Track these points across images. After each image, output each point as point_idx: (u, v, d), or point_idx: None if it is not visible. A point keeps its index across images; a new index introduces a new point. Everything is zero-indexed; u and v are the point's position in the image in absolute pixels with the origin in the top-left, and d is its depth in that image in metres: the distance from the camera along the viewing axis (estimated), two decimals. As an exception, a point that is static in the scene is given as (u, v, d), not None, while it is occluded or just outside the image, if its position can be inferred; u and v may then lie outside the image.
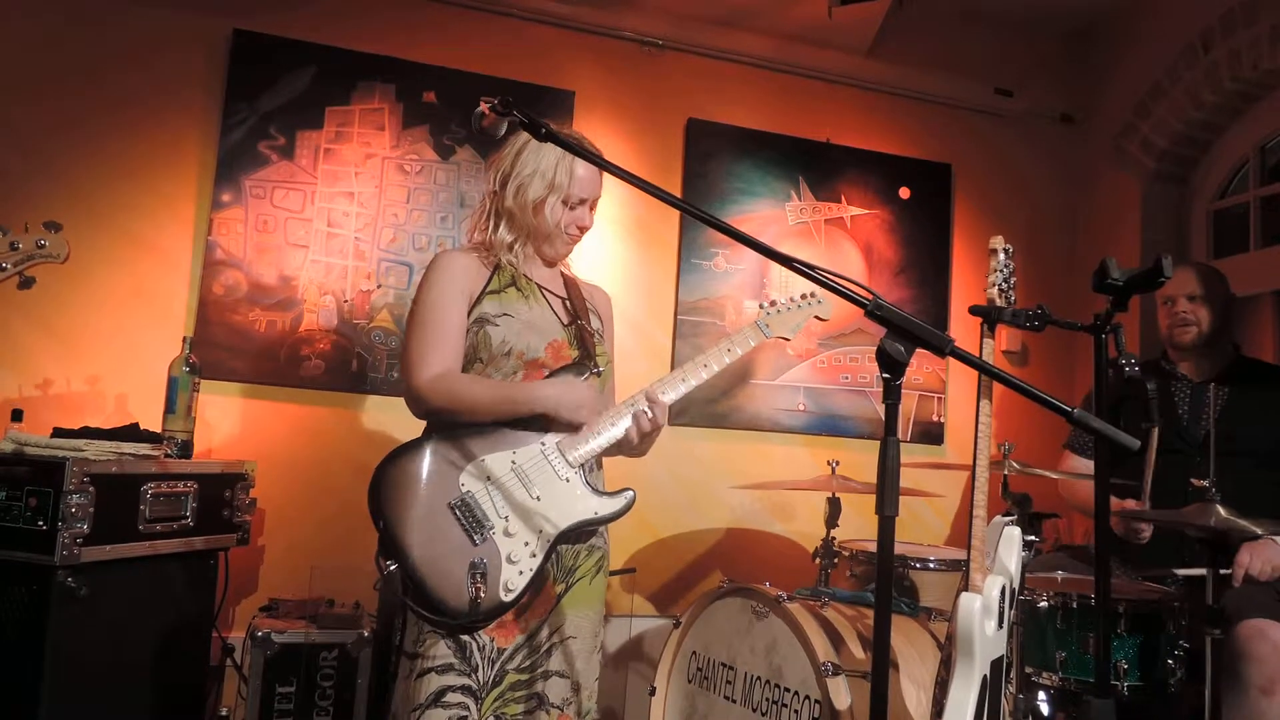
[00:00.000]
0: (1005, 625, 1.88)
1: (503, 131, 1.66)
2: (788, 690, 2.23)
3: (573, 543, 1.84)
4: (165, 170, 2.99)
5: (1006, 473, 2.35)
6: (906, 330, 1.34)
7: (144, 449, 2.37)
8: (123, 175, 2.94)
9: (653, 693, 2.59)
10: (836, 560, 2.73)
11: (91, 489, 2.13)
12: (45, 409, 2.73)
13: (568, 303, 1.94)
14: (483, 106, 1.62)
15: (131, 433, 2.44)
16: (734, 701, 2.38)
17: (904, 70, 3.78)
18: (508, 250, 1.90)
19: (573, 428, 1.77)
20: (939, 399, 3.67)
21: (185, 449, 2.55)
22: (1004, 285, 2.00)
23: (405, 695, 1.70)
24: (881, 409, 3.79)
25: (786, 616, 2.26)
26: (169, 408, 2.56)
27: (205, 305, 2.95)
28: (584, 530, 1.82)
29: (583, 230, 1.95)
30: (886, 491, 1.31)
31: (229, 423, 2.94)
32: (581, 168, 1.89)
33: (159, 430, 2.54)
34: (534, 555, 1.70)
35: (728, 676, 2.42)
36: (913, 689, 2.18)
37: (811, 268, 1.44)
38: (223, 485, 2.54)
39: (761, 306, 2.00)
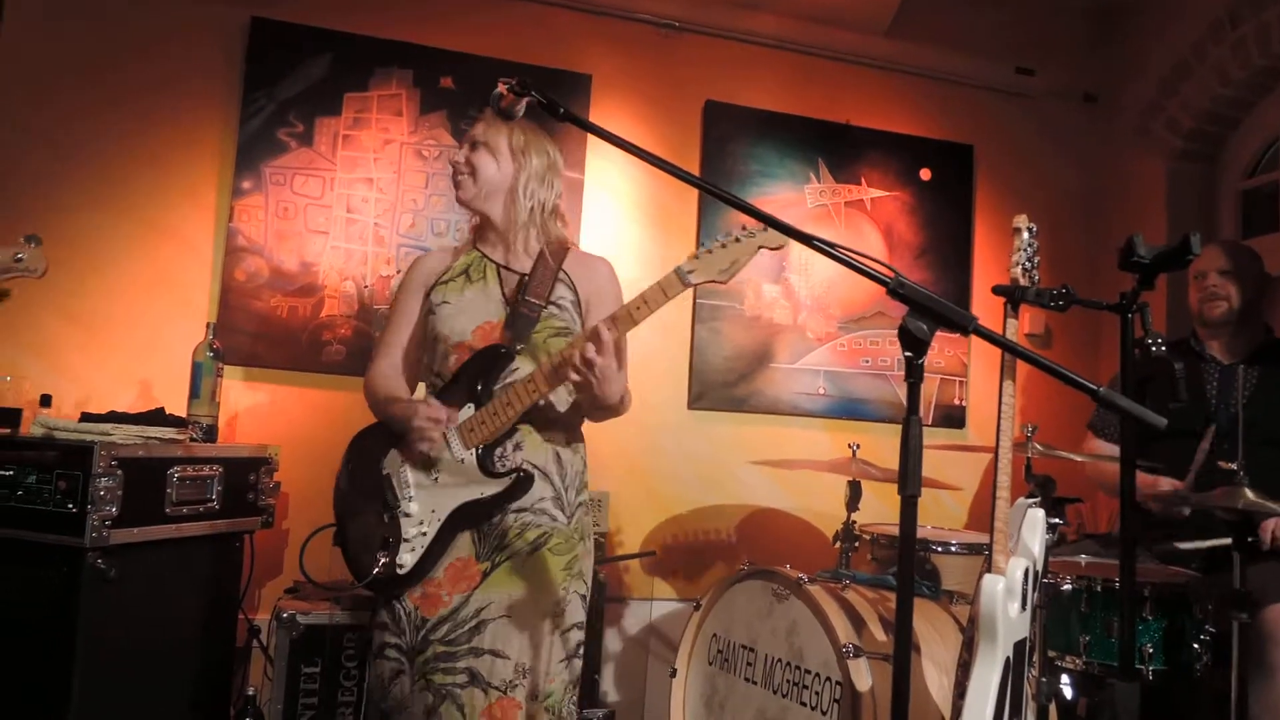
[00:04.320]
0: (1028, 607, 1.87)
1: (520, 112, 1.66)
2: (809, 672, 2.24)
3: (476, 523, 1.82)
4: (186, 158, 3.01)
5: (1030, 455, 2.33)
6: (929, 308, 1.33)
7: (170, 433, 2.40)
8: (144, 163, 2.96)
9: (674, 674, 2.60)
10: (857, 544, 2.72)
11: (119, 472, 2.16)
12: (72, 395, 2.76)
13: (524, 280, 1.93)
14: (501, 88, 1.63)
15: (157, 417, 2.47)
16: (755, 683, 2.39)
17: (924, 50, 3.74)
18: (471, 235, 2.07)
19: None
20: (960, 382, 3.65)
21: (210, 433, 2.58)
22: (1028, 265, 1.99)
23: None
24: (902, 392, 3.76)
25: (807, 599, 2.26)
26: (193, 393, 2.59)
27: (228, 292, 2.97)
28: (484, 510, 1.81)
29: (454, 165, 1.98)
30: (909, 471, 1.30)
31: (252, 407, 2.97)
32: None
33: (184, 415, 2.56)
34: (424, 534, 1.81)
35: (748, 659, 2.42)
36: (935, 671, 2.18)
37: (832, 246, 1.44)
38: (247, 469, 2.57)
39: (694, 255, 1.75)
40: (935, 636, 2.25)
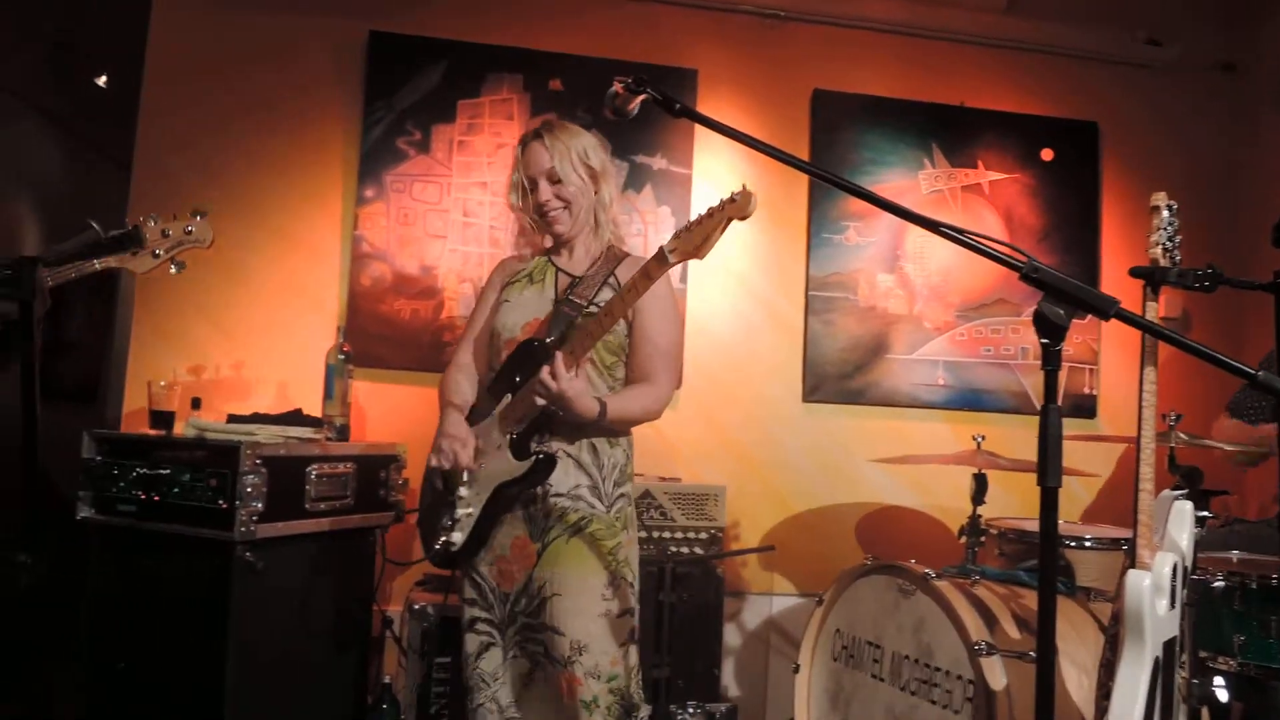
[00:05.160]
0: (1177, 605, 1.78)
1: (635, 110, 1.67)
2: (938, 670, 2.18)
3: (511, 504, 1.91)
4: (313, 168, 3.16)
5: (1173, 445, 2.20)
6: (1067, 293, 1.28)
7: (307, 433, 2.52)
8: (273, 173, 3.13)
9: (797, 670, 2.58)
10: (983, 538, 2.64)
11: (264, 470, 2.29)
12: (218, 397, 2.94)
13: (574, 281, 2.00)
14: (616, 86, 1.64)
15: (295, 418, 2.61)
16: (881, 680, 2.34)
17: (1043, 25, 3.58)
18: (522, 248, 2.14)
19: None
20: (1090, 370, 3.48)
21: (343, 432, 2.70)
22: (1168, 244, 1.89)
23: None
24: (1027, 382, 3.63)
25: (935, 594, 2.21)
26: (327, 394, 2.72)
27: (354, 296, 3.10)
28: (514, 491, 1.89)
29: (545, 206, 1.99)
30: (1049, 462, 1.26)
31: (379, 407, 3.09)
32: (526, 151, 2.00)
33: (319, 415, 2.69)
34: (470, 514, 1.93)
35: (874, 655, 2.38)
36: (1073, 671, 2.10)
37: (959, 231, 1.39)
38: (378, 466, 2.68)
39: (675, 234, 1.72)
40: (1073, 634, 2.16)
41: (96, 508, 2.42)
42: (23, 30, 3.67)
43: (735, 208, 1.62)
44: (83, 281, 1.77)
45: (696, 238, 1.67)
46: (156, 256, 1.71)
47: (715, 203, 1.64)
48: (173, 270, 1.86)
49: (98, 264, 1.68)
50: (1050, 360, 1.28)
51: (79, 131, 4.16)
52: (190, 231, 1.73)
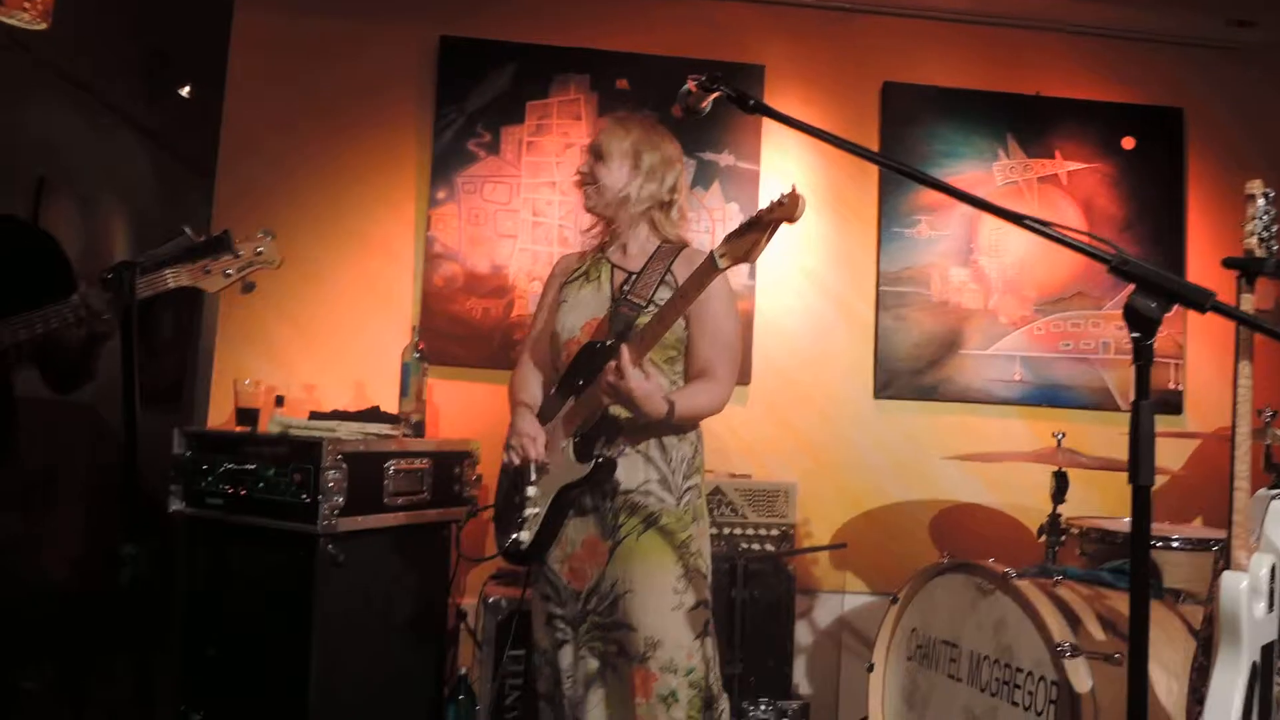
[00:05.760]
0: (1276, 608, 1.71)
1: (708, 108, 1.68)
2: (1020, 670, 2.14)
3: (575, 504, 1.94)
4: (386, 172, 3.23)
5: (1269, 442, 2.12)
6: (1160, 286, 1.25)
7: (385, 429, 2.58)
8: (349, 177, 3.21)
9: (871, 669, 2.55)
10: (1064, 538, 2.58)
11: (344, 465, 2.35)
12: (300, 395, 3.03)
13: (631, 278, 1.99)
14: (690, 85, 1.64)
15: (374, 415, 2.67)
16: (959, 680, 2.30)
17: (1122, 9, 3.46)
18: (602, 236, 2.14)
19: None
20: (1175, 365, 3.37)
21: (418, 429, 2.76)
22: (1265, 234, 1.82)
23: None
24: (1108, 377, 3.53)
25: (1016, 594, 2.16)
26: (403, 391, 2.78)
27: (427, 296, 3.16)
28: (577, 493, 1.93)
29: (581, 178, 2.07)
30: (1141, 460, 1.23)
31: (453, 404, 3.15)
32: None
33: (396, 412, 2.75)
34: (537, 514, 1.96)
35: (951, 655, 2.34)
36: (1162, 675, 2.03)
37: (1041, 223, 1.37)
38: (453, 462, 2.73)
39: (725, 239, 1.74)
40: (1162, 637, 2.09)
41: (186, 501, 2.53)
42: (120, 46, 3.84)
43: (783, 211, 1.61)
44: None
45: (746, 243, 1.68)
46: (227, 276, 1.78)
47: (765, 205, 1.63)
48: (242, 291, 1.90)
49: (171, 281, 1.74)
50: (1142, 355, 1.25)
51: (166, 141, 4.33)
52: (261, 253, 1.79)
